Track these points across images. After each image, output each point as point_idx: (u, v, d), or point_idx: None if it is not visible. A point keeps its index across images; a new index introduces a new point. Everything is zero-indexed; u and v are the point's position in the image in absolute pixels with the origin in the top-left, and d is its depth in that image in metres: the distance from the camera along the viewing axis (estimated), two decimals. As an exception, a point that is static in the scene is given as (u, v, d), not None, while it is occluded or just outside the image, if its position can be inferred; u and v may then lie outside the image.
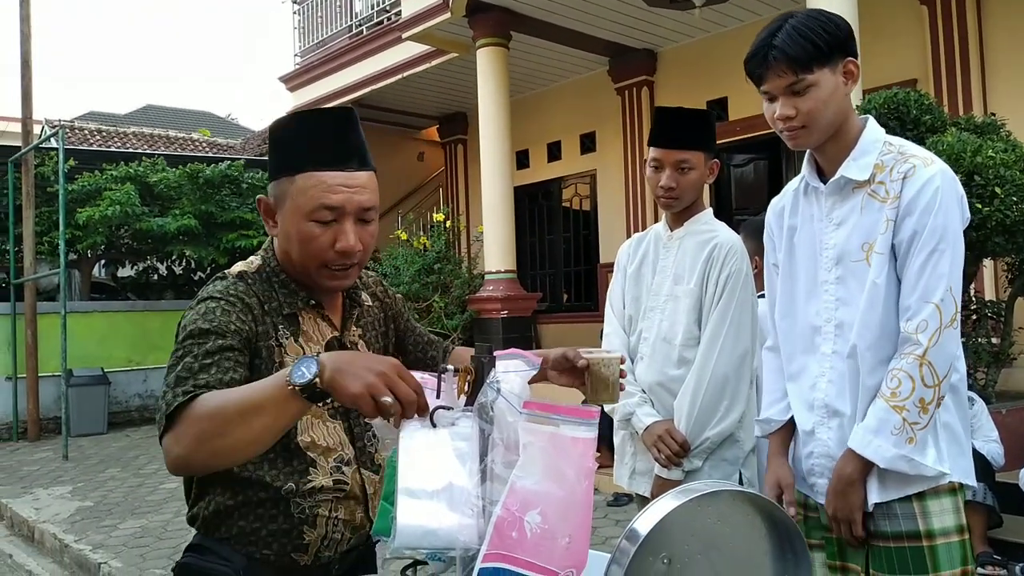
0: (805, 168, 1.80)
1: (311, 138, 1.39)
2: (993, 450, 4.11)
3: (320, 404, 1.32)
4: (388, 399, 1.08)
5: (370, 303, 1.64)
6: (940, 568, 1.62)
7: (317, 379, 1.10)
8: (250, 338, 1.40)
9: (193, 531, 1.52)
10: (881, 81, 6.61)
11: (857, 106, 5.09)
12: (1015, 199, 4.15)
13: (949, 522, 1.65)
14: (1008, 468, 4.24)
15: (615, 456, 2.44)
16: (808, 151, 1.80)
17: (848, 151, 1.72)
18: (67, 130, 11.85)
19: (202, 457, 1.18)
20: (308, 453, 1.43)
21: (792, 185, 1.88)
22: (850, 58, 1.68)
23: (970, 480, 1.69)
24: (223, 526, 1.44)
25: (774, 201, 1.93)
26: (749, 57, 1.69)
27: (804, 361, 1.73)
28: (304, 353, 1.44)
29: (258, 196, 1.49)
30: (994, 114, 5.19)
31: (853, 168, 1.70)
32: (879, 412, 1.61)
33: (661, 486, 2.18)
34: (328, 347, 1.49)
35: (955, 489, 1.67)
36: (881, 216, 1.65)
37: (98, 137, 15.82)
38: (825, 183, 1.75)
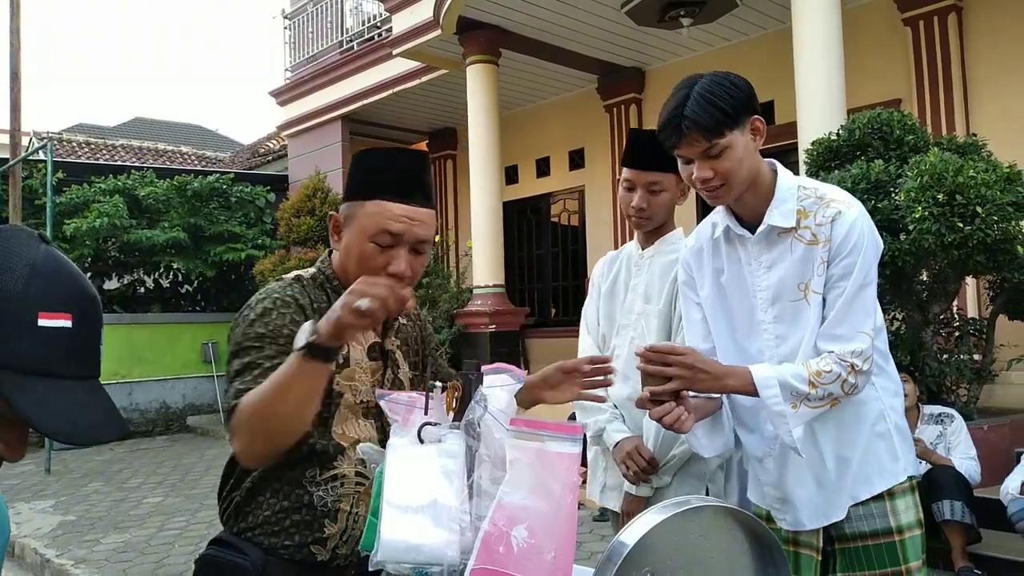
0: (723, 217, 1.88)
1: (387, 171, 1.56)
2: (970, 467, 4.16)
3: (358, 400, 1.56)
4: (364, 302, 1.23)
5: (405, 321, 1.77)
6: (908, 560, 1.79)
7: (315, 336, 1.26)
8: None
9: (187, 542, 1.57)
10: (865, 101, 6.70)
11: (842, 125, 5.17)
12: (996, 219, 4.21)
13: (912, 517, 1.82)
14: (988, 483, 4.29)
15: (588, 471, 2.47)
16: None
17: (766, 199, 1.81)
18: (55, 142, 11.82)
19: (260, 444, 1.38)
20: (339, 442, 1.55)
21: (705, 231, 1.96)
22: (755, 116, 1.78)
23: (917, 471, 1.90)
24: (250, 515, 1.56)
25: (689, 242, 2.01)
26: (662, 127, 1.76)
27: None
28: (348, 350, 1.57)
29: (330, 213, 1.64)
30: (975, 134, 5.27)
31: (777, 216, 1.79)
32: (795, 372, 1.70)
33: (630, 502, 2.24)
34: (370, 350, 1.63)
35: (913, 487, 1.85)
36: (813, 257, 1.77)
37: (86, 149, 15.76)
38: (748, 229, 1.84)
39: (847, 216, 1.75)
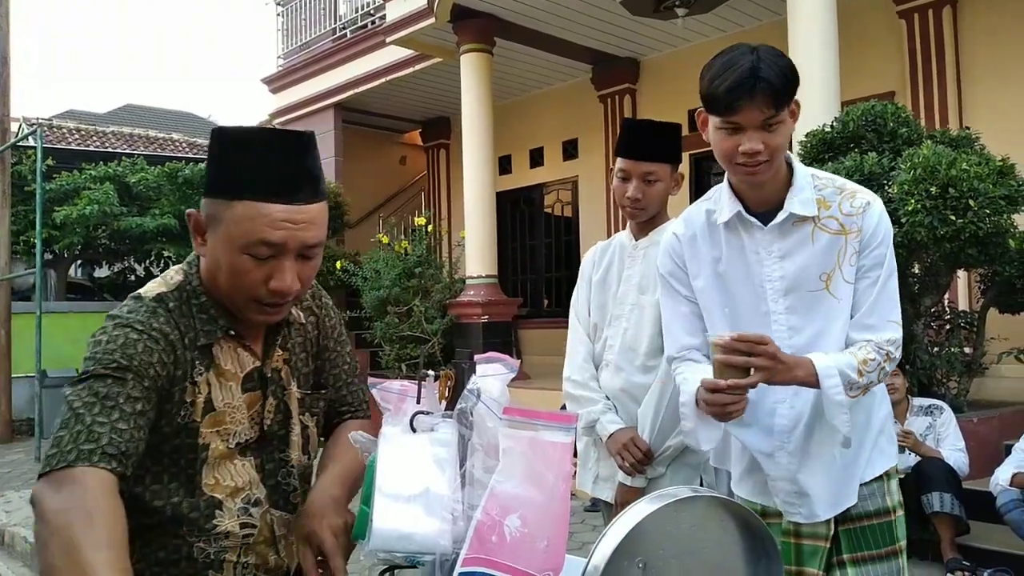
0: (729, 202, 1.81)
1: (257, 162, 1.21)
2: (959, 459, 4.18)
3: (231, 444, 1.30)
4: None
5: (303, 320, 1.46)
6: (899, 539, 1.86)
7: None
8: (169, 380, 1.26)
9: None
10: (859, 93, 6.70)
11: (836, 117, 5.17)
12: (988, 211, 4.22)
13: (899, 498, 1.90)
14: (978, 476, 4.32)
15: (579, 461, 2.47)
16: (727, 184, 1.84)
17: (783, 186, 1.78)
18: (45, 128, 11.73)
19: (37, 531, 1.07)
20: (214, 495, 1.30)
21: (698, 218, 1.90)
22: (796, 98, 1.74)
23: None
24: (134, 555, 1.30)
25: (678, 230, 1.93)
26: (733, 86, 1.64)
27: (762, 388, 1.75)
28: (214, 387, 1.29)
29: (188, 210, 1.31)
30: (968, 128, 5.28)
31: (797, 204, 1.76)
32: (847, 362, 1.69)
33: (624, 493, 2.25)
34: (247, 379, 1.34)
35: (896, 471, 1.93)
36: (840, 247, 1.75)
37: (77, 136, 15.65)
38: (754, 216, 1.80)
39: (876, 207, 1.76)
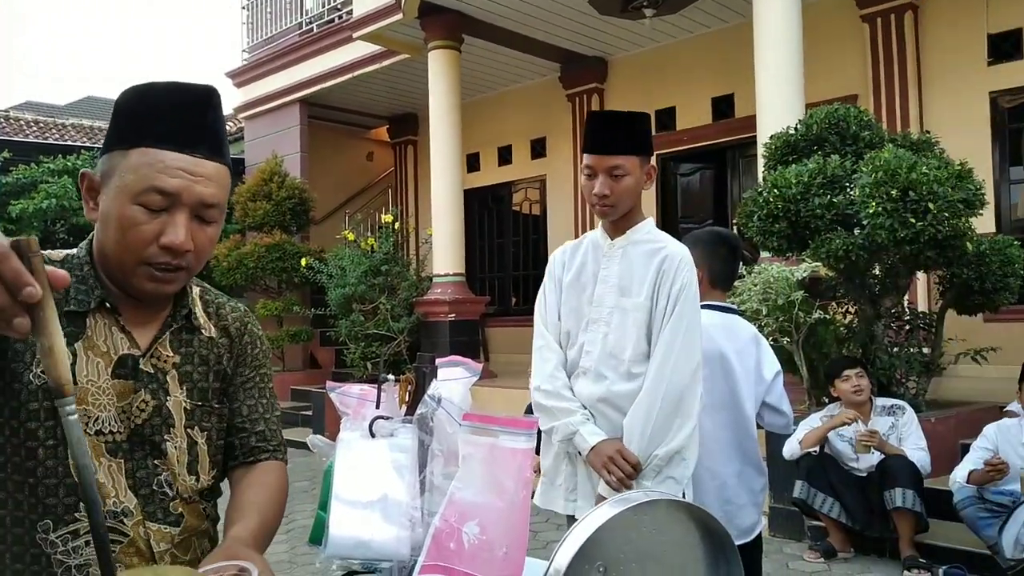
0: None
1: (157, 111, 1.16)
2: (922, 458, 4.25)
3: (91, 430, 1.16)
4: None
5: (213, 334, 1.33)
6: None
7: None
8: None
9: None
10: (823, 96, 6.78)
11: (800, 120, 5.23)
12: (947, 215, 4.29)
13: None
14: (935, 474, 4.39)
15: (543, 476, 2.29)
16: None
17: None
18: (2, 120, 11.45)
19: None
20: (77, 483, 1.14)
21: None
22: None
23: None
24: None
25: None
26: None
27: None
28: (79, 358, 1.18)
29: (81, 170, 1.23)
30: (928, 132, 5.38)
31: None
32: None
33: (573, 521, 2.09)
34: (119, 364, 1.21)
35: None
36: None
37: (35, 128, 15.27)
38: None
39: None
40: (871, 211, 4.35)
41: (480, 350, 9.24)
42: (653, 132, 2.53)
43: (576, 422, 2.13)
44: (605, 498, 2.06)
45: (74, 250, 1.26)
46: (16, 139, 12.58)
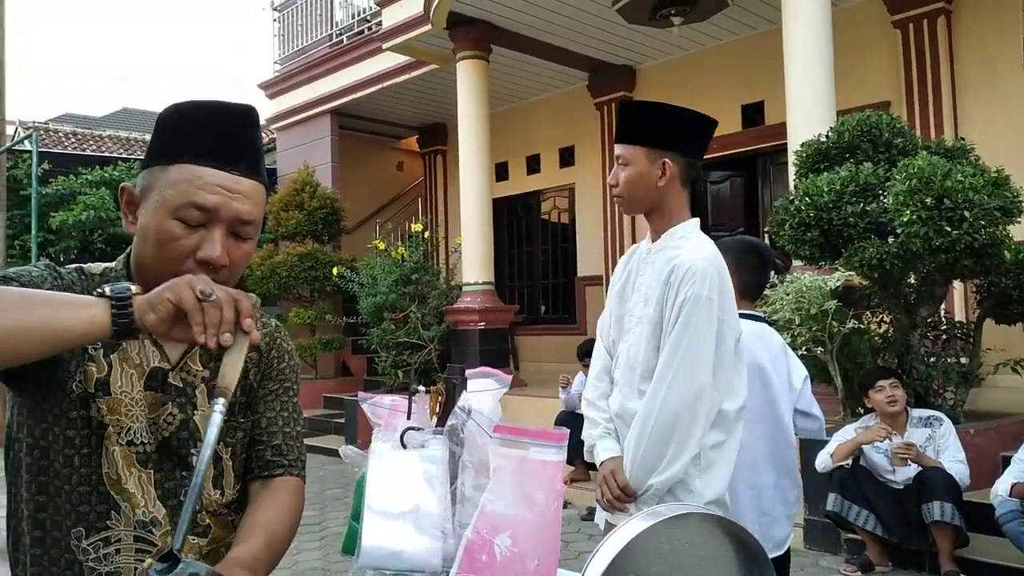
0: None
1: (197, 128, 1.20)
2: (960, 471, 4.16)
3: (123, 440, 1.19)
4: (206, 287, 1.00)
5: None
6: None
7: (128, 297, 1.00)
8: None
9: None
10: (854, 103, 6.71)
11: (831, 127, 5.18)
12: (983, 223, 4.22)
13: None
14: (975, 488, 4.30)
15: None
16: None
17: None
18: (41, 132, 11.72)
19: None
20: (111, 491, 1.19)
21: None
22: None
23: None
24: (17, 566, 1.24)
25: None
26: None
27: None
28: (115, 370, 1.21)
29: (121, 184, 1.26)
30: (963, 138, 5.29)
31: None
32: None
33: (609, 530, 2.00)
34: (150, 377, 1.23)
35: None
36: None
37: (73, 140, 15.62)
38: None
39: None
40: (905, 219, 4.29)
41: (510, 358, 9.25)
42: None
43: (596, 435, 2.12)
44: (608, 521, 2.05)
45: (112, 263, 1.30)
46: (55, 151, 12.87)
